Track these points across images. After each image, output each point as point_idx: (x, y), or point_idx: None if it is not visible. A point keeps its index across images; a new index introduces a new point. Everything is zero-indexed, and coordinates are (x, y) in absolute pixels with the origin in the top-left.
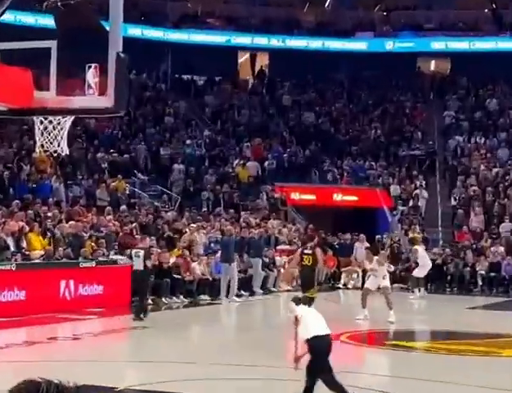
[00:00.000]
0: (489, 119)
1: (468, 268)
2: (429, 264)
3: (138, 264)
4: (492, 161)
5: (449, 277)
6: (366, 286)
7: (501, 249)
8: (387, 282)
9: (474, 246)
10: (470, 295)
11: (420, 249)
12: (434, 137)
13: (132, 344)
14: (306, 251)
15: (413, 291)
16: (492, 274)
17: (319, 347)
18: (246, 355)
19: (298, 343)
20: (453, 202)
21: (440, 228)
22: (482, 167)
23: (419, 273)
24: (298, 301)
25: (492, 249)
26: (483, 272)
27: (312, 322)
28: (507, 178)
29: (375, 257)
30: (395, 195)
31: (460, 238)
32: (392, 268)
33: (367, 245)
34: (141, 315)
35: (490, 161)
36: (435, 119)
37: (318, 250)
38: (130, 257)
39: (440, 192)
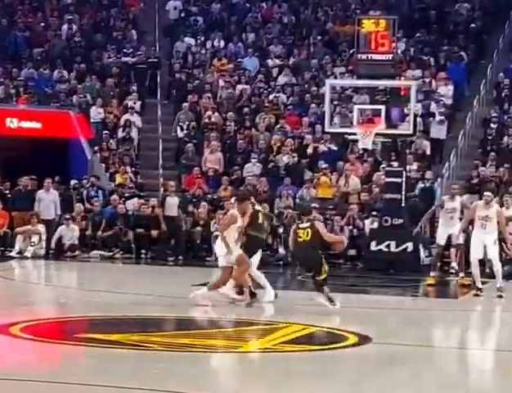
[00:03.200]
0: (232, 15)
1: (199, 228)
2: None
3: None
4: (236, 75)
5: (173, 241)
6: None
7: None
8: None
9: (210, 196)
10: (201, 266)
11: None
12: (155, 38)
13: None
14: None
15: None
16: None
17: None
18: None
19: None
20: (179, 133)
21: (161, 171)
22: (222, 83)
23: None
24: None
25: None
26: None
27: None
28: (253, 99)
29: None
30: (97, 121)
31: (190, 185)
32: None
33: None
34: None
35: (233, 75)
36: (156, 13)
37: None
38: None
39: (162, 119)
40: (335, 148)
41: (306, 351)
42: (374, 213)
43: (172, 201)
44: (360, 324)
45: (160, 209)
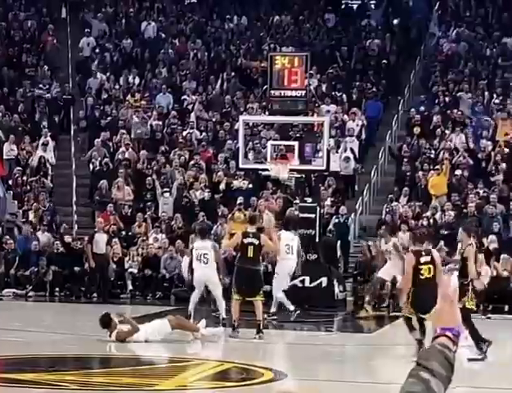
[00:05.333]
0: (145, 51)
1: (113, 265)
2: None
3: None
4: (150, 111)
5: (87, 279)
6: None
7: (162, 236)
8: None
9: (124, 232)
10: (116, 303)
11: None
12: (68, 74)
13: None
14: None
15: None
16: (148, 272)
17: None
18: None
19: None
20: (93, 170)
21: (75, 207)
22: (136, 119)
23: None
24: None
25: (152, 236)
26: (135, 270)
27: None
28: (174, 135)
29: None
30: (10, 158)
31: (104, 221)
32: None
33: None
34: None
35: (147, 111)
36: (69, 49)
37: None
38: None
39: (75, 155)
40: (250, 184)
41: (222, 388)
42: None
43: (101, 238)
44: (275, 360)
45: (89, 245)
